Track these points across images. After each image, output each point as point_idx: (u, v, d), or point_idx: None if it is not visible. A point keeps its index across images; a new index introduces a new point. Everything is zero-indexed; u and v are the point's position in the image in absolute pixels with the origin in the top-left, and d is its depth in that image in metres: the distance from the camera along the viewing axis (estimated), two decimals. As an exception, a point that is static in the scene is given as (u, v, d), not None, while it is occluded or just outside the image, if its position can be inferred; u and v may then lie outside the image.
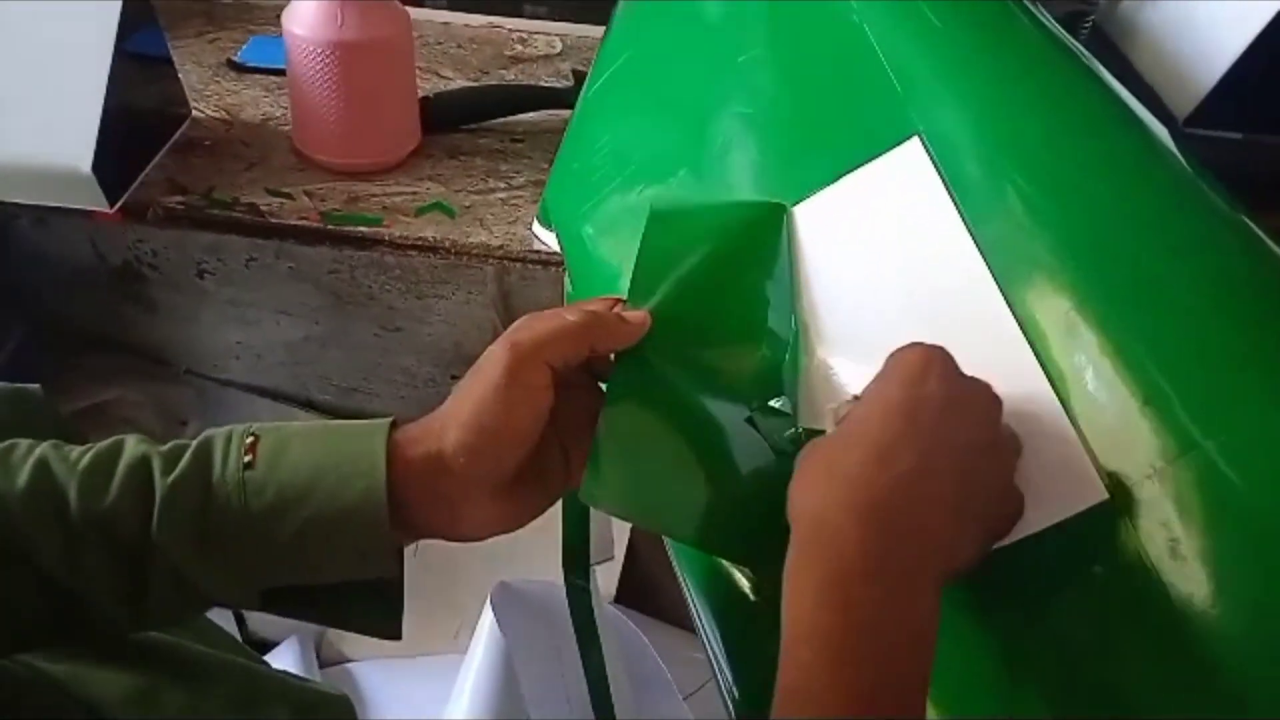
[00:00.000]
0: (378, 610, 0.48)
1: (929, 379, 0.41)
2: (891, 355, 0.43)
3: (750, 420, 0.50)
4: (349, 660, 1.31)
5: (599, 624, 0.88)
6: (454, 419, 0.45)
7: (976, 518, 0.41)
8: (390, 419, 0.46)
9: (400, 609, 0.49)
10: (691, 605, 0.56)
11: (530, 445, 0.46)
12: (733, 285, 0.53)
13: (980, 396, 0.42)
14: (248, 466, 0.44)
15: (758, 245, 0.55)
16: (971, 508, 0.40)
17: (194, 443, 0.45)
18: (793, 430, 0.50)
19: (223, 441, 0.45)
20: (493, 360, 0.45)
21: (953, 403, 0.40)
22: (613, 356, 0.48)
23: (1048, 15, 0.56)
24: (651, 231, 0.55)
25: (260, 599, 0.46)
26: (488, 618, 1.08)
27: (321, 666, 1.30)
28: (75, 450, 0.46)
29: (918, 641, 0.38)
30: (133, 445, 0.45)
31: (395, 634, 0.49)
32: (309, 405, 1.30)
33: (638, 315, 0.48)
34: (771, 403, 0.50)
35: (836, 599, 0.37)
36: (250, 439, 0.45)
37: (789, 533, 0.40)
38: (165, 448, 0.45)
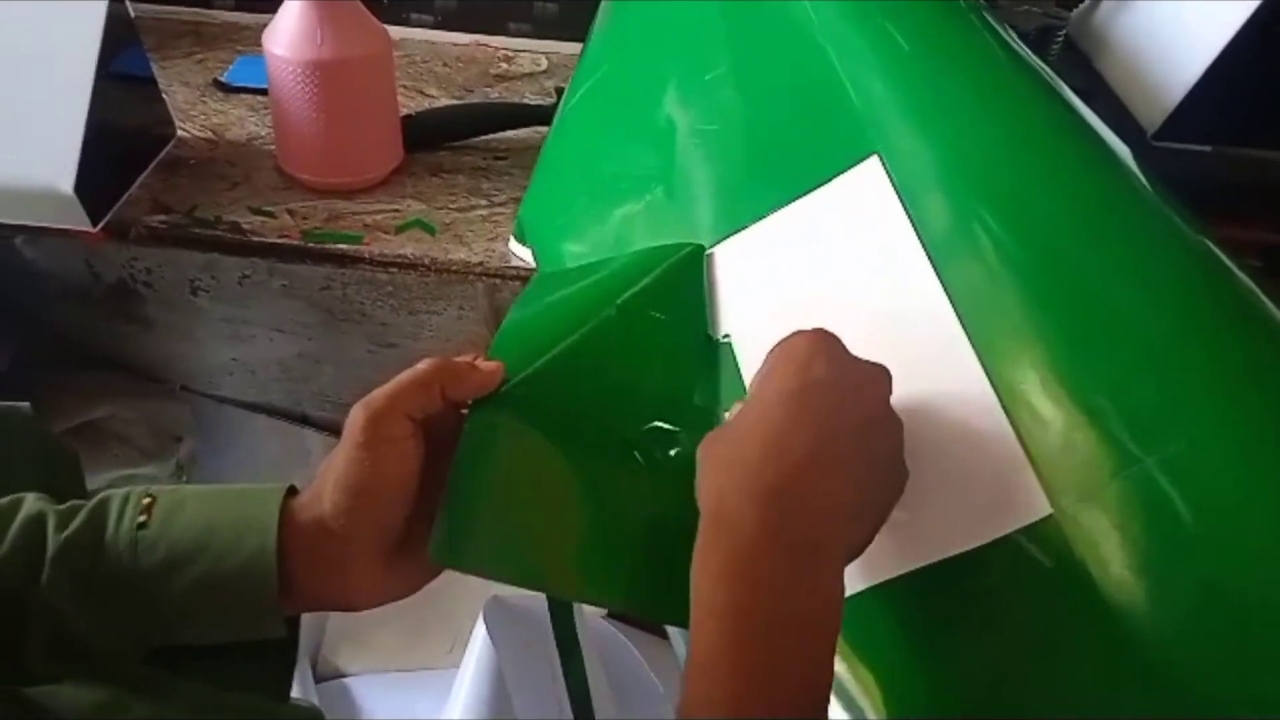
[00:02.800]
0: (266, 674, 0.48)
1: (817, 363, 0.41)
2: (778, 344, 0.43)
3: (637, 442, 0.50)
4: (345, 675, 1.32)
5: (583, 637, 0.88)
6: (328, 484, 0.45)
7: (873, 492, 0.42)
8: (288, 485, 0.47)
9: (290, 674, 0.48)
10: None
11: (407, 500, 0.46)
12: (637, 332, 0.53)
13: (869, 375, 0.43)
14: (141, 526, 0.44)
15: (670, 291, 0.56)
16: (868, 482, 0.41)
17: (91, 502, 0.45)
18: (679, 447, 0.50)
19: (119, 501, 0.45)
20: (352, 421, 0.45)
21: (842, 384, 0.41)
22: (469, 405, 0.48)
23: (1014, 35, 0.56)
24: (530, 292, 0.56)
25: (145, 658, 0.46)
26: (480, 632, 1.08)
27: (317, 681, 1.30)
28: None
29: (821, 620, 0.38)
30: (31, 502, 0.46)
31: (283, 699, 0.49)
32: (304, 421, 1.31)
33: (490, 365, 0.48)
34: (657, 423, 0.50)
35: (738, 578, 0.38)
36: (147, 500, 0.45)
37: (679, 575, 0.40)
38: (63, 506, 0.45)
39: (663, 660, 1.15)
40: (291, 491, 0.47)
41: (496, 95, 1.01)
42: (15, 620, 0.44)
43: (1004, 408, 0.43)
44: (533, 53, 1.08)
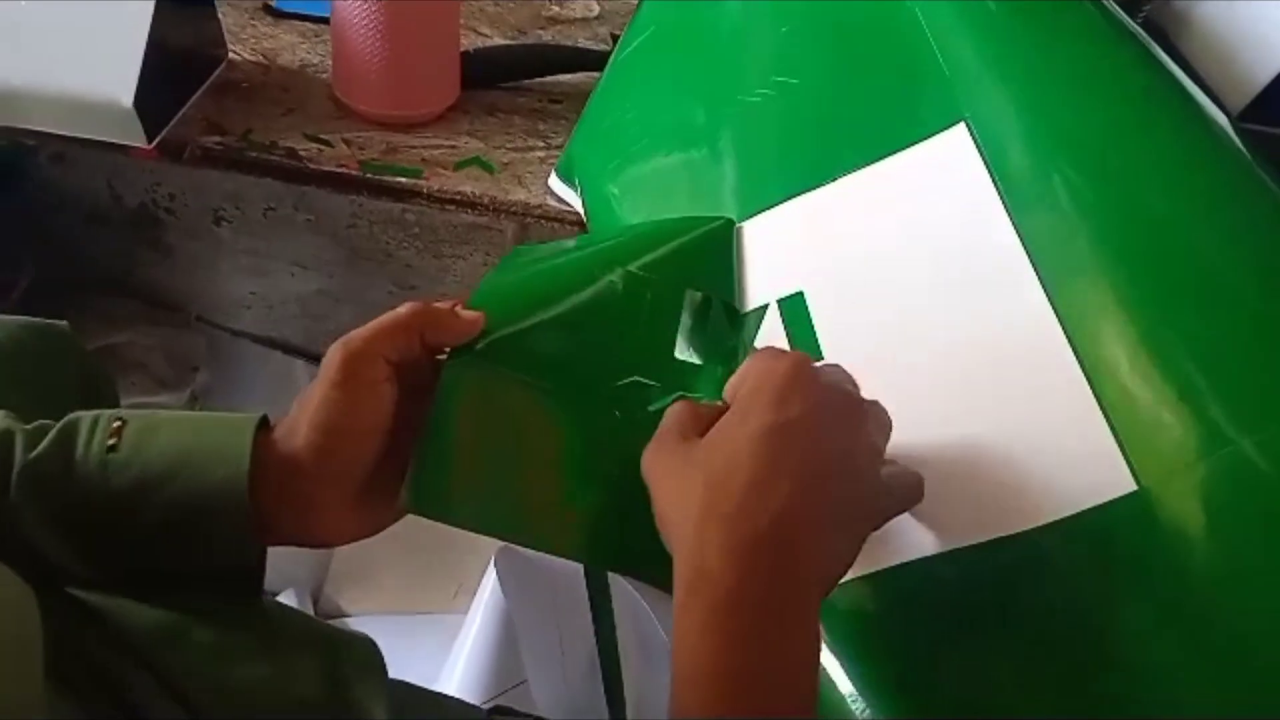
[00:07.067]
0: (232, 601, 0.48)
1: (793, 400, 0.40)
2: (753, 366, 0.43)
3: (617, 397, 0.50)
4: (346, 615, 1.31)
5: (613, 586, 0.88)
6: (302, 420, 0.45)
7: (854, 521, 0.41)
8: (261, 415, 0.46)
9: (257, 601, 0.48)
10: None
11: (378, 441, 0.46)
12: (640, 302, 0.53)
13: (841, 402, 0.42)
14: (111, 449, 0.43)
15: (690, 262, 0.56)
16: (849, 515, 0.41)
17: (60, 423, 0.45)
18: (656, 402, 0.50)
19: (89, 423, 0.44)
20: (329, 360, 0.45)
21: (819, 420, 0.40)
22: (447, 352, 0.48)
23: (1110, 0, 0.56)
24: (510, 260, 0.57)
25: (116, 581, 0.45)
26: (490, 578, 1.08)
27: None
28: None
29: (802, 658, 0.38)
30: None
31: (244, 624, 0.49)
32: (318, 360, 1.29)
33: (471, 314, 0.48)
34: (636, 378, 0.51)
35: (720, 630, 0.38)
36: (117, 423, 0.44)
37: (646, 532, 0.41)
38: (31, 426, 0.45)
39: (670, 616, 1.16)
40: (265, 421, 0.46)
41: (549, 38, 1.00)
42: None
43: (1088, 379, 0.43)
44: (585, -3, 1.07)
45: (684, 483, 0.41)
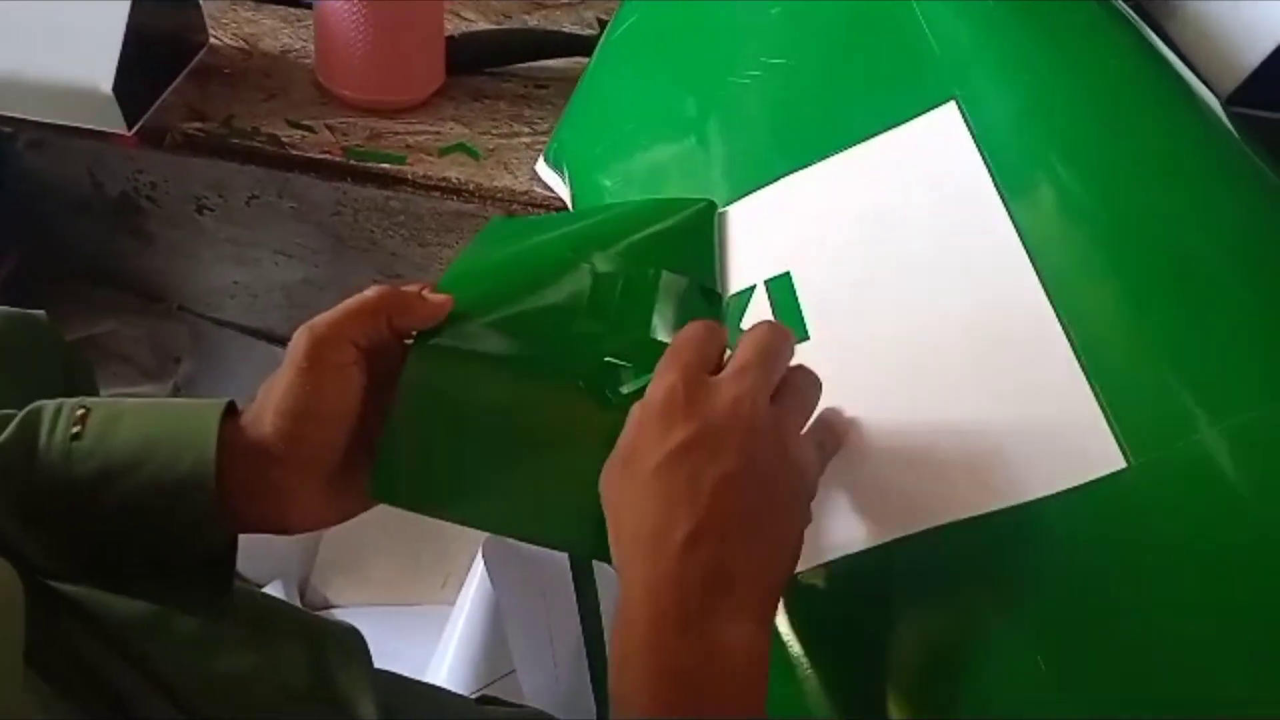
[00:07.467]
0: (203, 593, 0.47)
1: (675, 428, 0.40)
2: (649, 389, 0.43)
3: (588, 379, 0.49)
4: (333, 606, 1.30)
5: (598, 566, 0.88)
6: (269, 406, 0.44)
7: (778, 518, 0.41)
8: (227, 400, 0.45)
9: (229, 593, 0.47)
10: None
11: (347, 426, 0.45)
12: (613, 288, 0.53)
13: (727, 412, 0.41)
14: (75, 437, 0.43)
15: (669, 247, 0.56)
16: (768, 516, 0.40)
17: (21, 412, 0.44)
18: (627, 382, 0.50)
19: (51, 412, 0.44)
20: (295, 344, 0.45)
21: (705, 439, 0.40)
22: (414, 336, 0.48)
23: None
24: (488, 232, 0.56)
25: (86, 573, 0.45)
26: (478, 569, 1.08)
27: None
28: None
29: (745, 670, 0.38)
30: None
31: (219, 617, 0.49)
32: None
33: (439, 297, 0.48)
34: (609, 359, 0.50)
35: (651, 656, 0.38)
36: (81, 411, 0.44)
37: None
38: None
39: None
40: (233, 407, 0.46)
41: (534, 23, 0.99)
42: None
43: (1077, 356, 0.43)
44: (571, -18, 1.06)
45: (614, 520, 0.42)
